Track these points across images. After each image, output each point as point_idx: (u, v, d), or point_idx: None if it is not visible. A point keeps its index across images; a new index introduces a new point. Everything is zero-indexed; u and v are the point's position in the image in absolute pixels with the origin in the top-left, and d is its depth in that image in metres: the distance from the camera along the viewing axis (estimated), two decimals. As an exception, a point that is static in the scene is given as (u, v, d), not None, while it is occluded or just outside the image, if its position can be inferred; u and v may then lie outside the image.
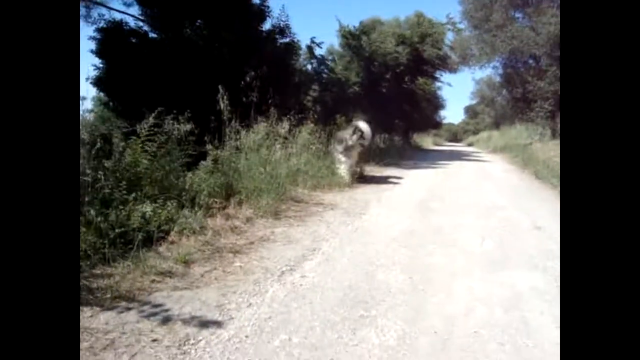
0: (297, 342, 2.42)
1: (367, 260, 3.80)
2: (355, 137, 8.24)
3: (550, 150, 12.97)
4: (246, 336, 2.47)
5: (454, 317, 2.78)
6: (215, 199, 4.96)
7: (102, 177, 3.88)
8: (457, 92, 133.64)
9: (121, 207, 3.82)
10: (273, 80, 9.05)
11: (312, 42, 14.59)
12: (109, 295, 2.77)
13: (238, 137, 6.09)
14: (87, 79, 11.24)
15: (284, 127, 7.12)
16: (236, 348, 2.34)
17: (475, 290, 3.21)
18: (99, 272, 3.08)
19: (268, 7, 12.08)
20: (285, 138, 7.16)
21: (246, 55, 10.49)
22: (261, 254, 3.90)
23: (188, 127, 5.09)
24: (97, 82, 11.00)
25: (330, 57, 18.19)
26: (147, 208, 4.02)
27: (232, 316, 2.71)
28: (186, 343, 2.37)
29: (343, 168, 8.15)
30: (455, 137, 55.25)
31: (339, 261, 3.75)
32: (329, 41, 18.92)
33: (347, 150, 8.28)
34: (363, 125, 8.62)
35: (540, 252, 4.18)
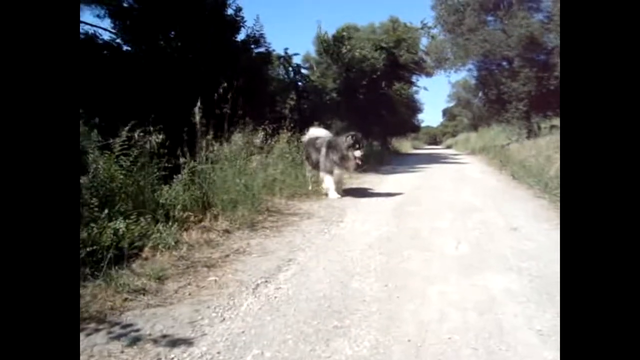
0: (270, 356, 2.40)
1: (343, 269, 3.79)
2: (349, 143, 7.21)
3: (526, 151, 13.13)
4: (218, 352, 2.44)
5: (427, 323, 2.78)
6: (190, 213, 4.92)
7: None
8: (434, 95, 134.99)
9: (92, 224, 3.76)
10: (248, 90, 9.04)
11: (286, 53, 14.60)
12: (78, 317, 2.72)
13: (213, 149, 6.06)
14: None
15: (259, 137, 7.11)
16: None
17: (450, 295, 3.22)
18: (68, 293, 3.02)
19: (242, 17, 12.06)
20: (261, 148, 7.15)
21: (221, 65, 10.45)
22: (236, 266, 3.87)
23: (160, 137, 5.04)
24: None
25: (306, 65, 18.26)
26: (120, 225, 3.96)
27: (205, 332, 2.68)
28: (157, 363, 2.34)
29: (328, 181, 7.48)
30: (434, 140, 55.70)
31: (314, 271, 3.74)
32: (306, 48, 18.93)
33: (343, 160, 7.27)
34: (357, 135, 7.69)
35: (515, 253, 4.21)
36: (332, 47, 16.36)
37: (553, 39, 19.82)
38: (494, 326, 2.74)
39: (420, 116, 36.70)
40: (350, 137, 7.25)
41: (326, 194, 7.53)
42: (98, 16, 11.89)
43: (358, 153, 7.12)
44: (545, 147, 11.74)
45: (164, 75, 9.99)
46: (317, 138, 8.11)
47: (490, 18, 20.55)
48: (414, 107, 29.55)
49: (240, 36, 12.27)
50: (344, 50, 16.04)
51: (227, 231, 4.85)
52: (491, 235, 4.90)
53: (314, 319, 2.84)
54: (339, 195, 7.37)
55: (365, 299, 3.14)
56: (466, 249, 4.37)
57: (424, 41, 20.35)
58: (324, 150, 7.53)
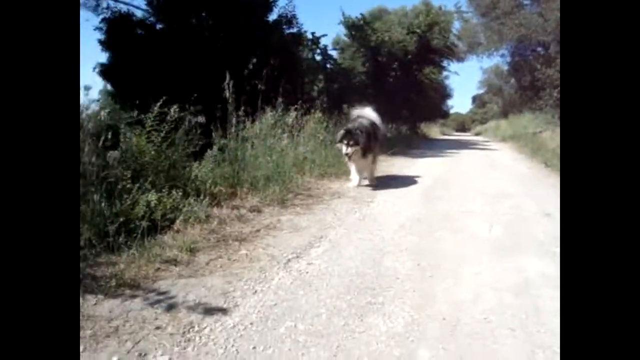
0: (303, 329, 2.39)
1: (374, 247, 3.76)
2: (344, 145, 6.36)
3: (559, 139, 12.83)
4: (251, 323, 2.44)
5: (462, 303, 2.74)
6: (221, 188, 4.92)
7: (108, 167, 3.85)
8: (464, 82, 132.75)
9: (125, 196, 3.79)
10: (279, 69, 8.99)
11: (314, 35, 14.45)
12: (113, 283, 2.74)
13: (244, 126, 6.05)
14: (94, 69, 11.27)
15: (290, 116, 7.08)
16: (240, 335, 2.31)
17: (484, 276, 3.16)
18: (103, 260, 3.05)
19: (275, -4, 12.00)
20: (292, 127, 7.12)
21: (252, 45, 10.42)
22: (267, 241, 3.86)
23: (199, 119, 5.06)
24: (104, 73, 11.00)
25: (336, 48, 18.10)
26: (152, 197, 3.97)
27: (237, 303, 2.68)
28: (190, 330, 2.34)
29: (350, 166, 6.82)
30: (462, 127, 54.95)
31: (345, 248, 3.71)
32: (336, 31, 18.77)
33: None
34: (360, 120, 6.78)
35: (550, 238, 4.11)
36: (359, 31, 16.15)
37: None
38: (530, 308, 2.68)
39: (449, 102, 36.32)
40: (342, 130, 6.51)
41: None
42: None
43: (345, 149, 6.28)
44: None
45: (196, 53, 10.01)
46: (356, 118, 7.04)
47: (526, 1, 20.10)
48: (443, 93, 29.19)
49: (272, 16, 12.21)
50: (370, 33, 15.81)
51: (257, 207, 4.85)
52: (524, 220, 4.80)
53: (347, 294, 2.81)
54: (357, 183, 6.61)
55: (399, 277, 3.10)
56: (499, 232, 4.29)
57: (456, 25, 19.96)
58: None
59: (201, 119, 5.06)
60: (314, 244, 3.83)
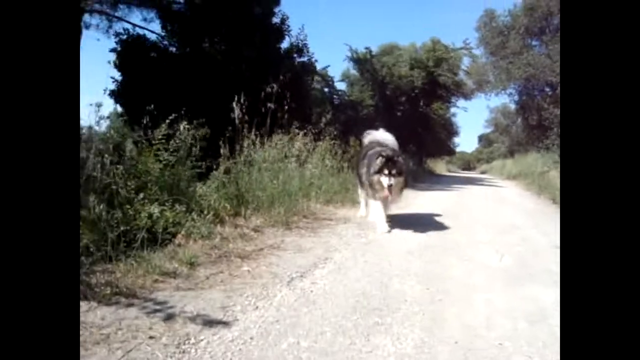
0: (307, 346, 2.24)
1: (381, 270, 3.62)
2: (377, 166, 5.19)
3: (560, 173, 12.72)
4: (251, 338, 2.30)
5: (475, 328, 2.59)
6: (226, 205, 4.82)
7: (111, 177, 3.77)
8: (471, 121, 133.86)
9: (127, 206, 3.68)
10: (291, 94, 8.99)
11: (322, 70, 14.60)
12: (108, 291, 2.61)
13: (254, 148, 6.00)
14: (104, 91, 11.30)
15: (299, 141, 7.03)
16: (239, 349, 2.17)
17: (496, 303, 3.01)
18: (99, 268, 2.92)
19: (288, 26, 12.17)
20: (300, 153, 7.06)
21: (264, 71, 10.46)
22: (270, 260, 3.73)
23: (203, 131, 4.98)
24: (115, 94, 11.03)
25: (345, 80, 18.24)
26: (155, 209, 3.88)
27: (237, 318, 2.55)
28: (186, 342, 2.20)
29: (373, 208, 5.53)
30: (468, 165, 54.94)
31: (351, 270, 3.58)
32: (346, 65, 18.87)
33: (371, 186, 5.35)
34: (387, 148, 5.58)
35: (563, 270, 3.97)
36: (366, 64, 16.29)
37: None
38: (547, 335, 2.53)
39: (456, 140, 36.32)
40: (380, 156, 5.13)
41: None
42: (145, 19, 12.14)
43: (388, 181, 5.04)
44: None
45: (207, 77, 10.05)
46: (373, 146, 5.78)
47: (535, 42, 20.29)
48: (450, 130, 29.23)
49: (284, 44, 12.34)
50: (377, 67, 15.95)
51: (261, 228, 4.74)
52: (534, 252, 4.66)
53: (353, 314, 2.67)
54: (388, 229, 5.25)
55: (407, 300, 2.96)
56: (510, 262, 4.15)
57: (465, 61, 20.11)
58: (365, 163, 5.52)
59: (203, 131, 4.97)
60: (318, 264, 3.70)
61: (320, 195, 6.79)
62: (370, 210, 5.61)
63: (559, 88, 18.75)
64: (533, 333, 2.56)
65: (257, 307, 2.72)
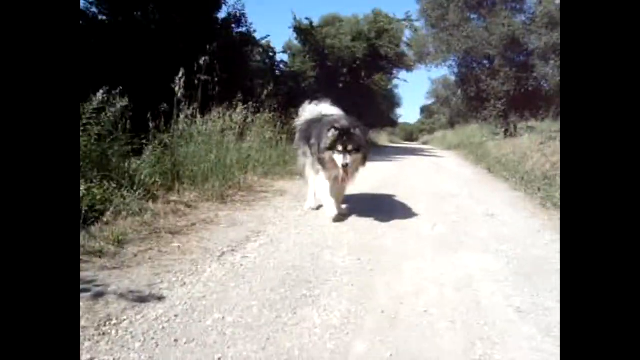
0: (232, 321, 2.21)
1: (314, 242, 3.62)
2: (329, 140, 4.18)
3: (503, 148, 13.11)
4: (176, 315, 2.24)
5: (402, 296, 2.63)
6: (157, 181, 4.69)
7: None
8: (414, 93, 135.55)
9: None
10: (229, 66, 8.77)
11: (262, 40, 14.38)
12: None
13: (190, 122, 5.84)
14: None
15: (238, 114, 6.90)
16: (162, 328, 2.12)
17: (425, 271, 3.07)
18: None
19: (224, -6, 11.80)
20: (239, 126, 6.94)
21: (200, 41, 10.14)
22: (202, 235, 3.66)
23: (123, 103, 4.74)
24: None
25: (287, 52, 18.03)
26: (80, 186, 3.71)
27: (164, 295, 2.48)
28: (107, 323, 2.13)
29: (320, 187, 4.60)
30: (410, 137, 55.76)
31: (284, 242, 3.56)
32: (288, 35, 18.73)
33: (322, 162, 4.36)
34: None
35: (492, 236, 4.09)
36: (309, 35, 16.15)
37: (534, 40, 19.92)
38: (471, 302, 2.60)
39: (398, 111, 36.77)
40: (334, 129, 4.15)
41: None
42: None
43: (343, 159, 4.12)
44: (521, 145, 11.74)
45: (140, 48, 9.65)
46: (318, 120, 4.80)
47: (473, 15, 20.54)
48: (392, 101, 29.54)
49: (221, 14, 12.00)
50: (319, 38, 15.84)
51: (195, 202, 4.63)
52: (467, 219, 4.78)
53: (281, 287, 2.66)
54: (336, 214, 4.39)
55: (337, 271, 2.98)
56: (442, 230, 4.24)
57: (407, 33, 20.23)
58: (314, 135, 4.55)
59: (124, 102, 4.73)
60: (251, 238, 3.65)
61: (258, 167, 6.72)
62: (317, 189, 4.70)
63: (496, 60, 19.20)
64: (458, 299, 2.63)
65: (184, 284, 2.66)
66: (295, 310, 2.37)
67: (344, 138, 4.12)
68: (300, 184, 6.22)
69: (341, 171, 4.20)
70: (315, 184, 4.74)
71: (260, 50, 14.77)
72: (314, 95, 14.99)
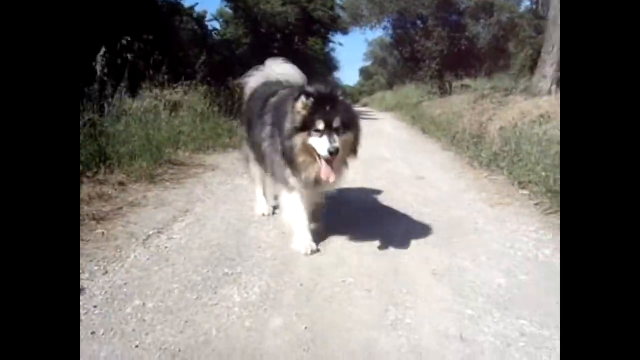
0: (152, 306, 2.23)
1: (241, 217, 3.65)
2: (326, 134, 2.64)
3: (438, 108, 13.38)
4: (95, 306, 2.24)
5: (323, 268, 2.72)
6: (82, 166, 4.56)
7: None
8: (351, 55, 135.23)
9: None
10: (156, 41, 8.49)
11: (189, 7, 13.96)
12: None
13: (117, 101, 5.69)
14: None
15: (169, 89, 6.77)
16: (80, 321, 2.11)
17: (348, 241, 3.16)
18: None
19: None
20: (170, 101, 6.81)
21: (123, 15, 9.75)
22: (128, 219, 3.62)
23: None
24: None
25: (219, 19, 17.61)
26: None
27: (83, 286, 2.46)
28: (22, 319, 2.11)
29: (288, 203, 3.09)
30: (351, 99, 55.80)
31: (211, 220, 3.56)
32: (218, 2, 18.24)
33: (292, 162, 2.81)
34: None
35: (419, 200, 4.24)
36: (240, 1, 15.81)
37: (465, 0, 20.24)
38: (389, 268, 2.72)
39: (336, 74, 36.69)
40: (304, 96, 2.69)
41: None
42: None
43: (329, 143, 2.61)
44: (455, 105, 12.02)
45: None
46: (270, 87, 3.46)
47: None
48: (329, 65, 29.43)
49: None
50: (250, 4, 15.54)
51: (122, 184, 4.54)
52: (395, 184, 4.92)
53: (204, 267, 2.69)
54: (314, 247, 2.98)
55: (261, 246, 3.03)
56: (370, 197, 4.35)
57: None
58: (269, 117, 3.11)
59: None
60: (178, 218, 3.64)
61: (189, 143, 6.62)
62: (285, 206, 3.11)
63: (429, 21, 19.41)
64: (377, 267, 2.74)
65: (106, 272, 2.64)
66: (216, 290, 2.41)
67: (326, 108, 2.64)
68: (233, 157, 6.20)
69: (323, 165, 2.67)
70: (282, 200, 3.12)
71: (190, 18, 14.35)
72: (250, 64, 14.87)
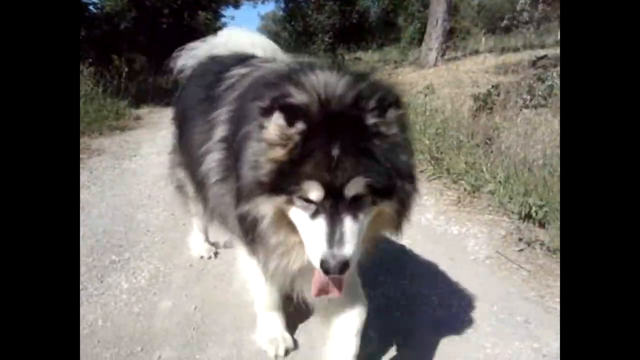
0: (31, 301, 2.13)
1: (129, 202, 3.54)
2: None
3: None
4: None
5: (214, 247, 2.71)
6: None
7: None
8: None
9: None
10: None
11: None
12: None
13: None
14: None
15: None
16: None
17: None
18: None
19: None
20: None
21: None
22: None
23: None
24: None
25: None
26: None
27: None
28: None
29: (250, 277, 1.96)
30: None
31: (96, 207, 3.41)
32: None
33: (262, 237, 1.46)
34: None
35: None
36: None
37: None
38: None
39: (230, 50, 36.02)
40: (278, 111, 1.28)
41: None
42: None
43: (324, 245, 1.26)
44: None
45: None
46: (225, 63, 2.14)
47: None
48: (223, 40, 28.86)
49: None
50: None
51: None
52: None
53: (89, 256, 2.60)
54: (289, 342, 1.92)
55: (150, 229, 2.98)
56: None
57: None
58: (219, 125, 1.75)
59: None
60: (60, 207, 3.46)
61: (73, 126, 6.24)
62: (243, 274, 1.97)
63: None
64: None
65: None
66: (102, 278, 2.35)
67: (335, 146, 1.28)
68: (120, 140, 5.95)
69: (317, 273, 1.41)
70: (239, 262, 1.97)
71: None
72: (135, 39, 14.18)
